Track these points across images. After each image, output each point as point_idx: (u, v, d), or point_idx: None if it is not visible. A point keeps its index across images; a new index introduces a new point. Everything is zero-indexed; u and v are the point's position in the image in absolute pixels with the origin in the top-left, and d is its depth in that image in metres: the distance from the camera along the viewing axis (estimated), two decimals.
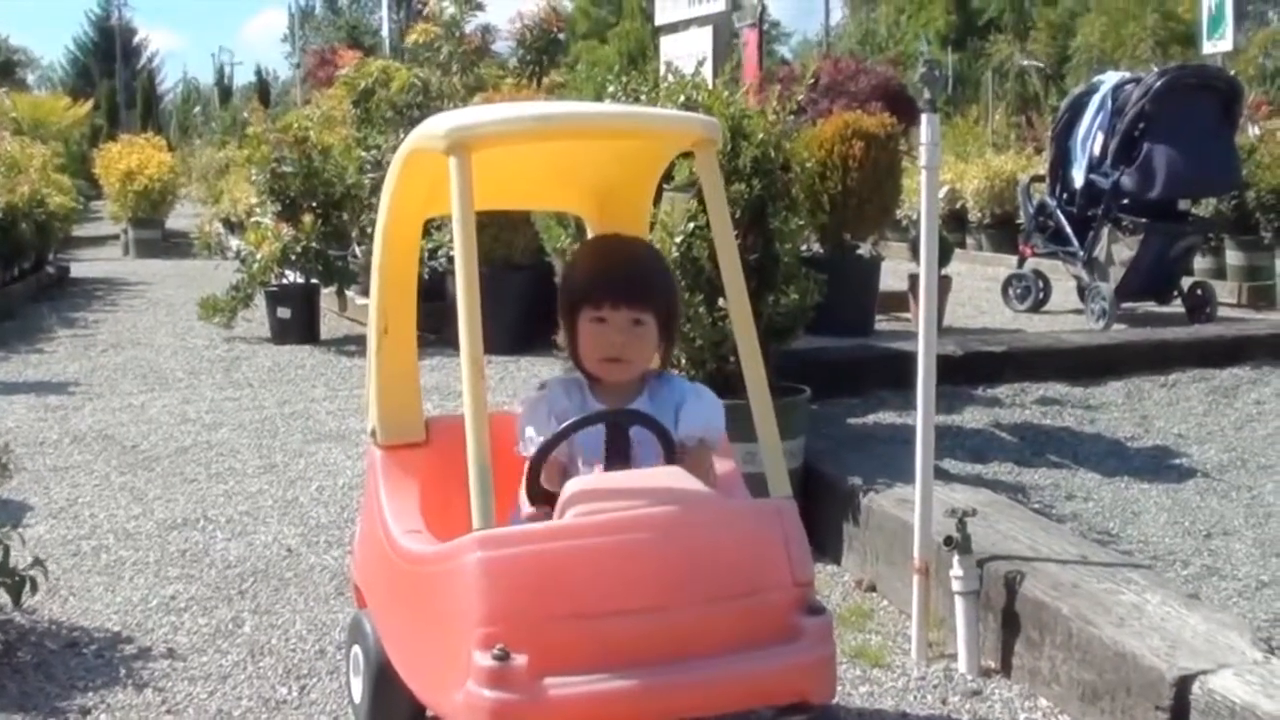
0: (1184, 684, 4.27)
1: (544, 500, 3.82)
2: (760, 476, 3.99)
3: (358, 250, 14.47)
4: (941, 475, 6.59)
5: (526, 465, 3.93)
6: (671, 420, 3.98)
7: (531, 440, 3.94)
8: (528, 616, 3.42)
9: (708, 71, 8.04)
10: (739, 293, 3.98)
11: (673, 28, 10.09)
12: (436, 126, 3.82)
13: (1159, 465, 7.89)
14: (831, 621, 3.80)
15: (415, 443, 4.48)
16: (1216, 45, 18.49)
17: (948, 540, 5.27)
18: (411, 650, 4.02)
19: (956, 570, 5.23)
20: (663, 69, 7.85)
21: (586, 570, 3.49)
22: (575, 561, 3.50)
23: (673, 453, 3.91)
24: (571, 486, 3.70)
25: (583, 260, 4.30)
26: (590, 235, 4.83)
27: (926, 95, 5.35)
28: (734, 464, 4.34)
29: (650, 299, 4.04)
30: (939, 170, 5.43)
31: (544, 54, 15.01)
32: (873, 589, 6.20)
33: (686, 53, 9.04)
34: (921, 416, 5.43)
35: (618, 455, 3.91)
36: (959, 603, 5.23)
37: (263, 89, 66.50)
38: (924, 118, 5.30)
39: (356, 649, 4.55)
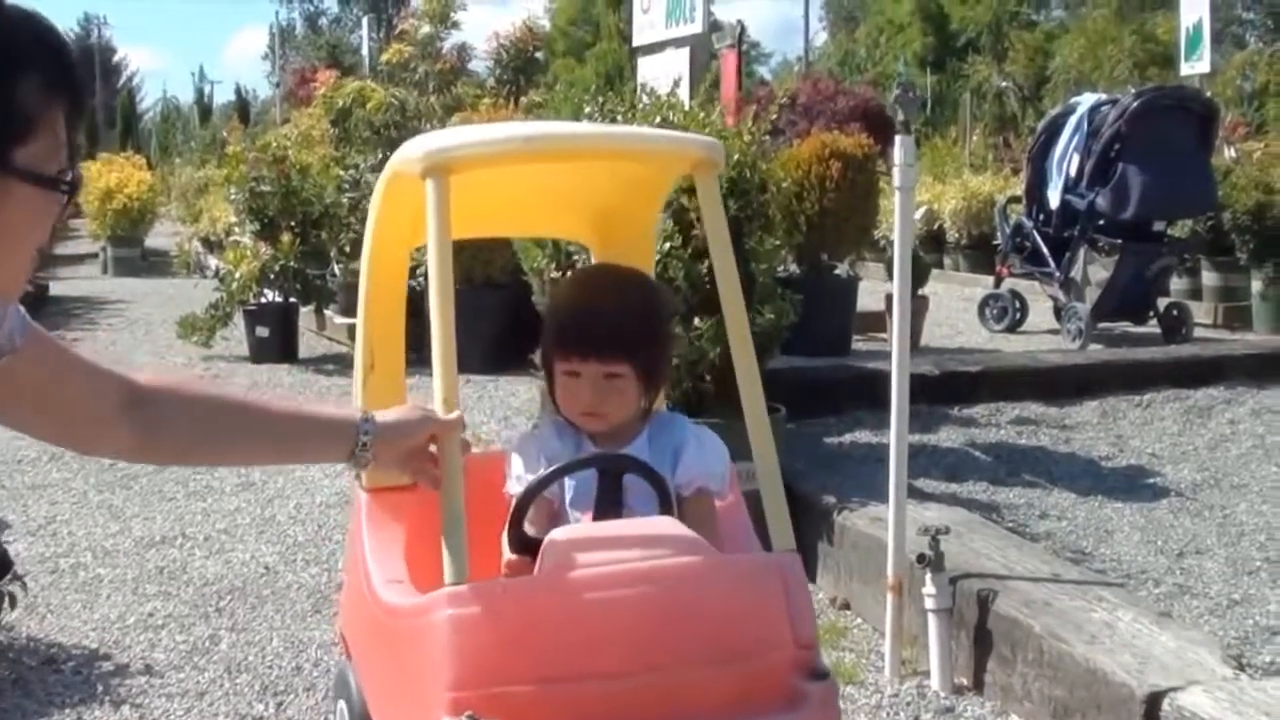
0: (1154, 701, 4.32)
1: (528, 548, 3.46)
2: (757, 493, 3.65)
3: (336, 269, 14.47)
4: (916, 494, 6.63)
5: (510, 509, 3.60)
6: (669, 466, 3.64)
7: (520, 480, 3.64)
8: (501, 679, 3.12)
9: (684, 92, 8.09)
10: (740, 325, 3.61)
11: (650, 49, 10.13)
12: (414, 149, 3.56)
13: (1133, 485, 7.93)
14: (837, 687, 3.50)
15: (403, 486, 3.86)
16: (1194, 67, 18.54)
17: (921, 558, 5.31)
18: (390, 708, 3.77)
19: (929, 588, 5.27)
20: (640, 90, 7.89)
21: (567, 629, 3.18)
22: (554, 620, 3.18)
23: (669, 502, 3.57)
24: (553, 537, 3.35)
25: (561, 302, 3.99)
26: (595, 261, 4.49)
27: (901, 117, 5.39)
28: (743, 513, 3.91)
29: (626, 351, 3.62)
30: (914, 191, 5.48)
31: (521, 73, 15.04)
32: (847, 607, 6.24)
33: (664, 74, 9.08)
34: (895, 435, 5.47)
35: (608, 503, 3.59)
36: (932, 620, 5.27)
37: (242, 108, 66.37)
38: (898, 139, 5.34)
39: (341, 704, 4.30)
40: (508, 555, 3.53)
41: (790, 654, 3.34)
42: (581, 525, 3.54)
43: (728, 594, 3.33)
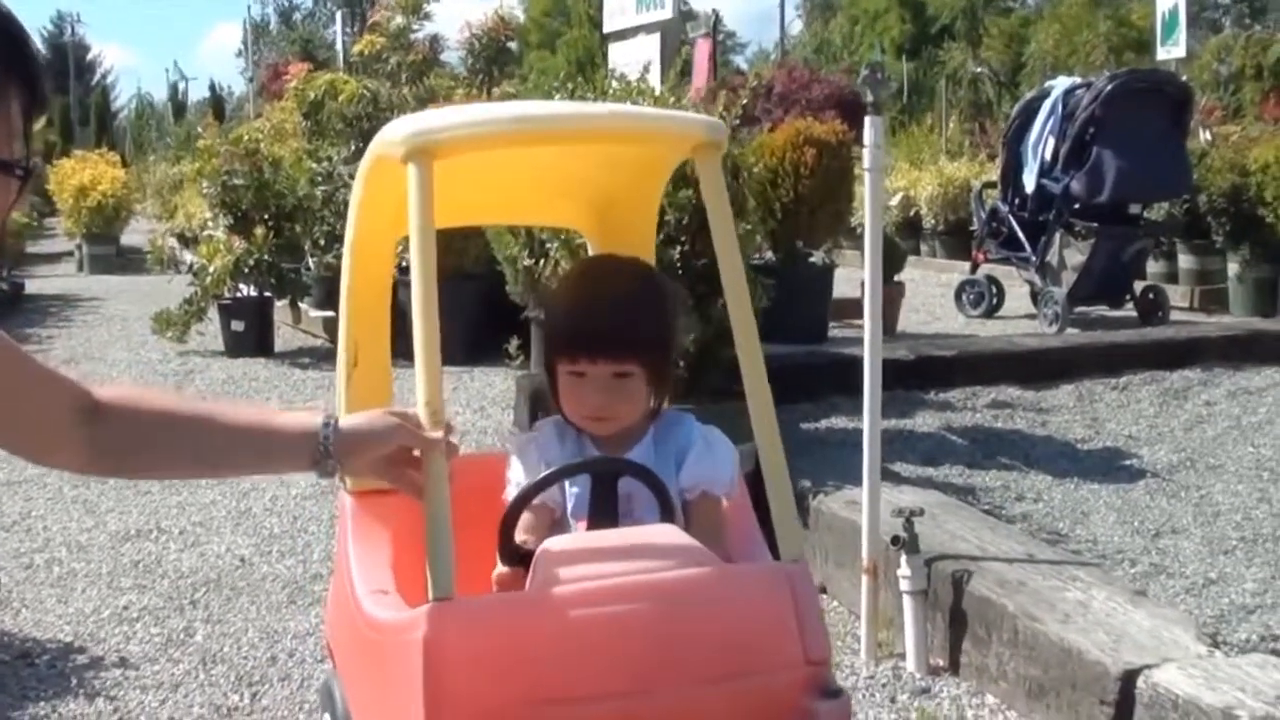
0: (1129, 679, 4.32)
1: (521, 560, 3.22)
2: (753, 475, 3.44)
3: (310, 262, 14.43)
4: (892, 478, 6.63)
5: (501, 518, 3.35)
6: (673, 468, 3.41)
7: (517, 487, 3.39)
8: (485, 703, 2.90)
9: (654, 77, 8.07)
10: (745, 314, 3.30)
11: (621, 35, 10.12)
12: (395, 131, 3.28)
13: (1109, 466, 7.94)
14: (850, 705, 3.25)
15: (390, 489, 3.39)
16: (1170, 52, 18.54)
17: (895, 540, 5.31)
18: None
19: (904, 570, 5.27)
20: (610, 76, 7.87)
21: (559, 648, 2.94)
22: (545, 638, 2.94)
23: (670, 508, 3.32)
24: (547, 547, 3.11)
25: (561, 298, 3.70)
26: (591, 253, 4.20)
27: (870, 98, 5.38)
28: (749, 518, 3.65)
29: (635, 348, 3.37)
30: (884, 173, 5.47)
31: (494, 63, 15.00)
32: (823, 590, 6.23)
33: (635, 60, 9.07)
34: (868, 416, 5.47)
35: (602, 511, 3.34)
36: (907, 602, 5.26)
37: (217, 104, 66.19)
38: (867, 121, 5.34)
39: (327, 717, 4.08)
40: (500, 569, 3.31)
41: (800, 672, 3.11)
42: (576, 535, 3.31)
43: (733, 608, 3.09)
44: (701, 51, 12.55)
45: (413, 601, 3.22)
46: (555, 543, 3.15)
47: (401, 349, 3.20)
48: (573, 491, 3.41)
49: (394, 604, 3.39)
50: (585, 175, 3.96)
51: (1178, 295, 15.42)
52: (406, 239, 3.18)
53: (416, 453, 2.99)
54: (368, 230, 3.80)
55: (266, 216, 13.82)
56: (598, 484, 3.34)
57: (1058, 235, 14.27)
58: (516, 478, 3.43)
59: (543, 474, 3.34)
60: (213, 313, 13.92)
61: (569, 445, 3.46)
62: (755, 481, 3.44)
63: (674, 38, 9.73)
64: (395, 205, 3.37)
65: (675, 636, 3.00)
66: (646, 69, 7.85)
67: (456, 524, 2.98)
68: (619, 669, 2.97)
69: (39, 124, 2.39)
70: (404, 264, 3.85)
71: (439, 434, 2.94)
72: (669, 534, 3.20)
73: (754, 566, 3.39)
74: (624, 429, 3.44)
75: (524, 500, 3.32)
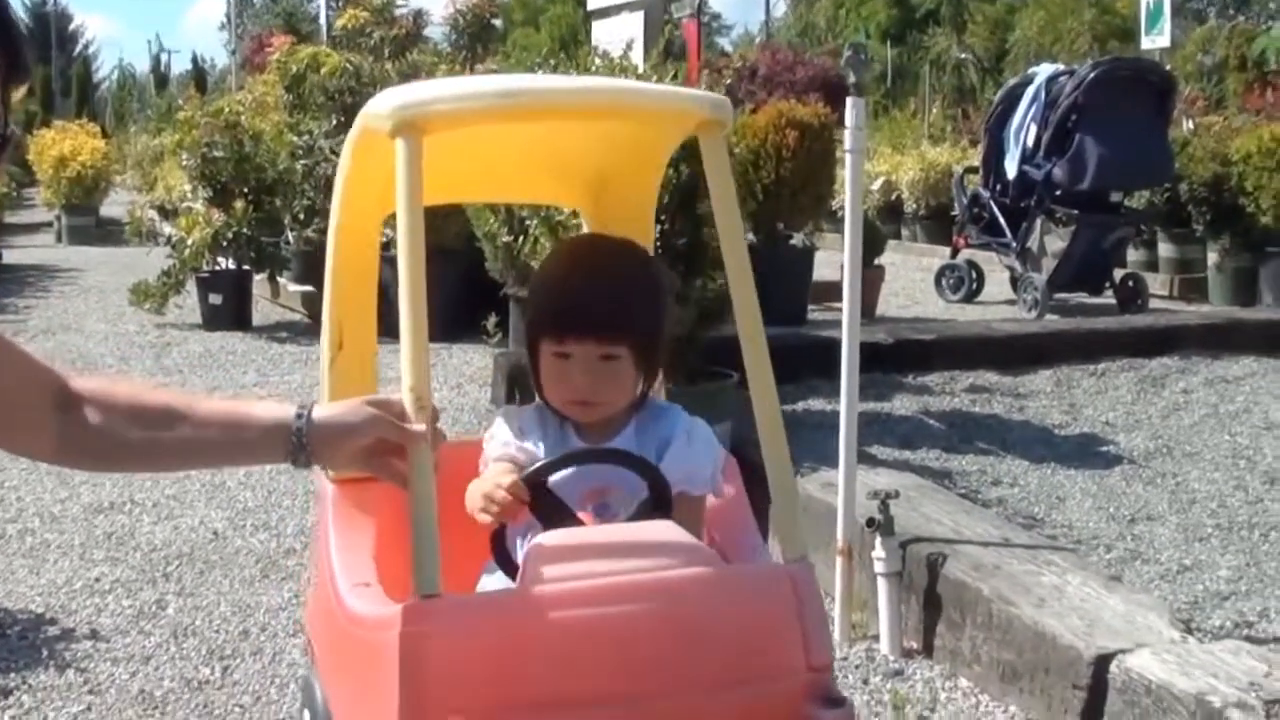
0: (1102, 663, 4.32)
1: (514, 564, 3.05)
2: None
3: (290, 236, 14.39)
4: (869, 461, 6.63)
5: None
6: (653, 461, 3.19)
7: (501, 445, 3.23)
8: (468, 706, 2.75)
9: (637, 55, 8.05)
10: (748, 298, 3.15)
11: (604, 12, 10.10)
12: (383, 103, 3.06)
13: (1086, 452, 7.95)
14: (854, 714, 3.09)
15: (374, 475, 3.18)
16: (1155, 41, 18.58)
17: (870, 522, 5.30)
18: None
19: (879, 552, 5.26)
20: (593, 53, 7.86)
21: (546, 650, 2.78)
22: (532, 639, 2.79)
23: (667, 502, 3.13)
24: (539, 543, 2.93)
25: (547, 276, 3.53)
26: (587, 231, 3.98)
27: (852, 79, 5.37)
28: (744, 510, 3.58)
29: (623, 329, 3.19)
30: (864, 154, 5.46)
31: (477, 39, 14.97)
32: None
33: (618, 37, 9.04)
34: (845, 399, 5.46)
35: (552, 511, 3.08)
36: (881, 584, 5.26)
37: (199, 77, 66.04)
38: (849, 102, 5.32)
39: (306, 714, 3.88)
40: (487, 578, 3.20)
41: (802, 678, 2.96)
42: (570, 531, 3.05)
43: (732, 610, 2.93)
44: (689, 34, 12.53)
45: (397, 594, 3.07)
46: (547, 538, 2.97)
47: (382, 328, 3.12)
48: (556, 483, 3.15)
49: (376, 597, 3.19)
50: (583, 153, 3.75)
51: (1157, 283, 15.46)
52: (393, 216, 3.00)
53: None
54: (353, 207, 3.56)
55: (246, 190, 13.79)
56: (537, 489, 3.08)
57: (1038, 222, 14.30)
58: (497, 439, 3.25)
59: (538, 463, 3.13)
60: (191, 285, 13.88)
61: (551, 432, 3.26)
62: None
63: (657, 16, 9.70)
64: (383, 181, 3.19)
65: (671, 640, 2.86)
66: (629, 47, 7.83)
67: (443, 514, 2.82)
68: (611, 673, 2.83)
69: (20, 93, 2.38)
70: (385, 240, 3.82)
71: (422, 425, 2.80)
72: (667, 531, 3.03)
73: (754, 567, 3.27)
74: (606, 417, 3.26)
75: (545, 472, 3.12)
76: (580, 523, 3.10)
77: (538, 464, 3.12)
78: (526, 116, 3.21)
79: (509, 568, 3.09)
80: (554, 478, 3.12)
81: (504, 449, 3.22)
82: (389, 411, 2.82)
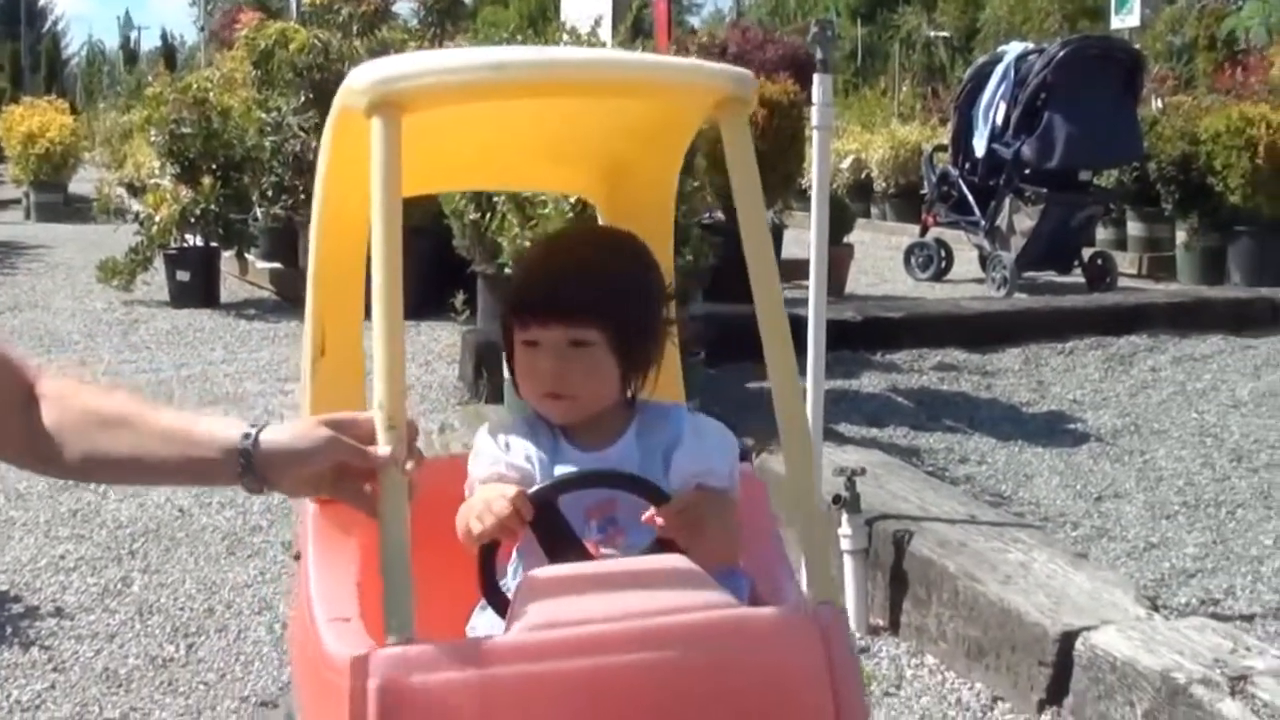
0: (1067, 640, 4.33)
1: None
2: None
3: (258, 213, 14.34)
4: (836, 438, 6.63)
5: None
6: (660, 469, 2.83)
7: (491, 463, 2.88)
8: None
9: (605, 32, 8.03)
10: (772, 295, 2.80)
11: None
12: (360, 78, 2.66)
13: (1053, 430, 7.97)
14: None
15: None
16: (1124, 21, 18.65)
17: (836, 499, 5.30)
18: None
19: (845, 529, 5.26)
20: (561, 29, 7.84)
21: (535, 706, 2.44)
22: (520, 693, 2.44)
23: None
24: (532, 577, 2.61)
25: (522, 262, 3.34)
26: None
27: (819, 56, 5.35)
28: (768, 521, 3.14)
29: (592, 310, 2.83)
30: (831, 131, 5.45)
31: (446, 15, 14.92)
32: None
33: (586, 14, 9.01)
34: (811, 374, 5.45)
35: (561, 538, 2.74)
36: (847, 561, 5.25)
37: (169, 54, 65.92)
38: (816, 78, 5.31)
39: None
40: (477, 621, 2.87)
41: None
42: (564, 566, 2.66)
43: (751, 662, 2.52)
44: (658, 12, 12.49)
45: (378, 631, 2.58)
46: (540, 574, 2.63)
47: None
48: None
49: (354, 636, 2.72)
50: (594, 135, 3.31)
51: (1126, 262, 15.50)
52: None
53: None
54: (336, 196, 3.09)
55: (214, 166, 13.76)
56: (550, 511, 2.74)
57: (1007, 200, 14.33)
58: (484, 457, 2.90)
59: (539, 484, 2.77)
60: (159, 262, 13.83)
61: (543, 442, 2.90)
62: None
63: None
64: (368, 166, 2.66)
65: (680, 696, 2.48)
66: (598, 23, 7.80)
67: (434, 540, 2.64)
68: None
69: None
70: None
71: (389, 448, 2.46)
72: (676, 566, 2.62)
73: (776, 612, 2.69)
74: (595, 419, 2.90)
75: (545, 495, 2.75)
76: (587, 552, 2.74)
77: (539, 486, 2.75)
78: (519, 93, 2.77)
79: (499, 603, 2.73)
80: (567, 499, 2.78)
81: (492, 468, 2.86)
82: (353, 432, 2.50)
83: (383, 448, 2.46)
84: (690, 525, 2.67)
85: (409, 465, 2.47)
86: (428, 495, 2.55)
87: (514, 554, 2.87)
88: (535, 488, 2.74)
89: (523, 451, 2.87)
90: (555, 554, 2.70)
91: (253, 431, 2.47)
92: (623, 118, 3.16)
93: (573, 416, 2.89)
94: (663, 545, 2.68)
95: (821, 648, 2.56)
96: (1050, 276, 14.61)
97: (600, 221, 3.54)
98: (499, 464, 2.85)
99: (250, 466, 2.45)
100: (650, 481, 2.75)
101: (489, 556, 2.74)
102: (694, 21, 69.47)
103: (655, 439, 2.89)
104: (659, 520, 2.66)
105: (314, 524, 3.11)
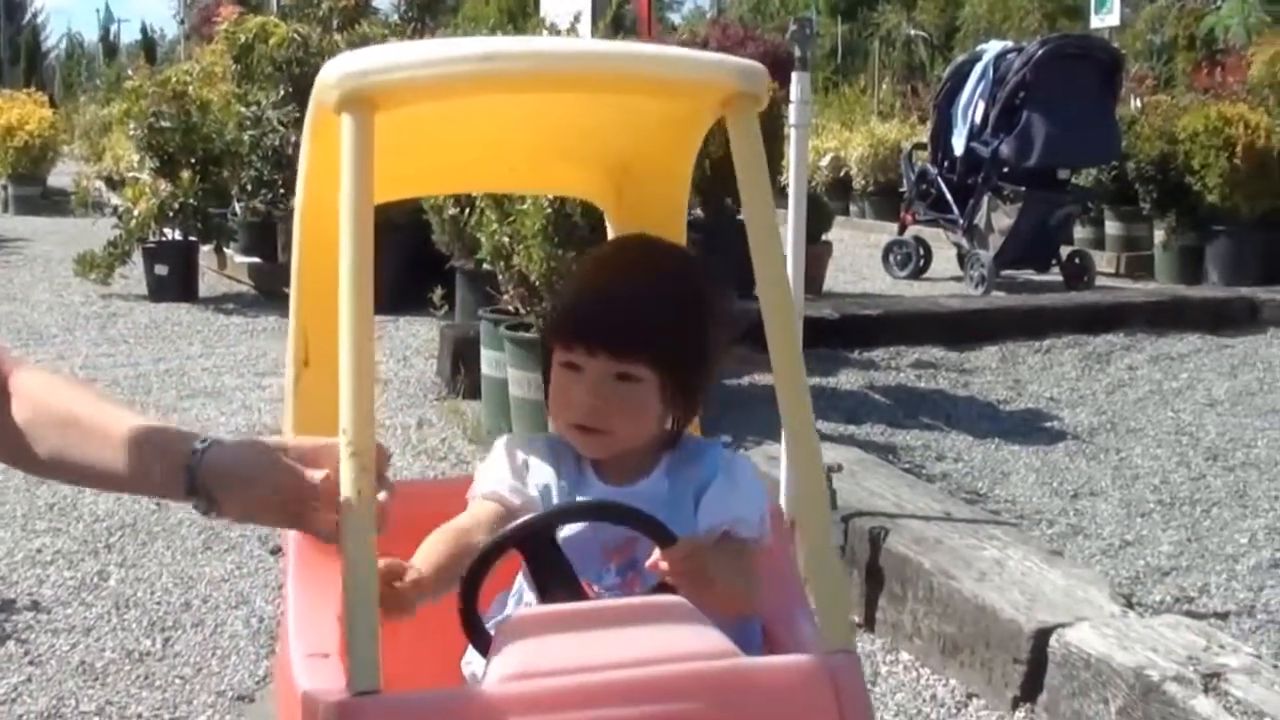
0: (1041, 637, 4.34)
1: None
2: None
3: (237, 208, 14.32)
4: None
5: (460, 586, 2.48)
6: (690, 509, 2.60)
7: (496, 482, 2.65)
8: None
9: (585, 27, 8.03)
10: (781, 291, 2.58)
11: None
12: (330, 72, 2.41)
13: (1030, 428, 7.99)
14: None
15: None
16: (1104, 20, 18.67)
17: None
18: None
19: None
20: (540, 25, 7.84)
21: None
22: None
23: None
24: (512, 619, 2.42)
25: (576, 275, 3.06)
26: (611, 234, 3.26)
27: (797, 53, 5.37)
28: (789, 566, 2.91)
29: (647, 345, 2.58)
30: (809, 128, 5.46)
31: (427, 10, 14.90)
32: None
33: (566, 10, 9.02)
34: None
35: (557, 578, 2.48)
36: None
37: (149, 47, 65.72)
38: (794, 76, 5.32)
39: None
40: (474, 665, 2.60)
41: None
42: (550, 609, 2.40)
43: (756, 717, 2.27)
44: (640, 6, 12.49)
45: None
46: (520, 615, 2.45)
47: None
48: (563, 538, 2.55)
49: (330, 675, 2.47)
50: (601, 134, 3.06)
51: (1104, 261, 15.54)
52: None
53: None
54: (318, 197, 2.79)
55: (193, 160, 13.72)
56: (536, 543, 2.50)
57: (985, 198, 14.33)
58: (491, 473, 2.67)
59: (525, 517, 2.52)
60: (137, 256, 13.81)
61: (566, 470, 2.67)
62: None
63: None
64: None
65: None
66: (577, 19, 7.81)
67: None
68: None
69: None
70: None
71: (352, 478, 2.20)
72: (676, 611, 2.37)
73: (784, 662, 2.41)
74: (627, 454, 2.66)
75: (482, 569, 2.47)
76: (583, 593, 2.50)
77: (522, 520, 2.51)
78: (503, 87, 2.49)
79: (481, 643, 2.46)
80: (564, 532, 2.53)
81: (495, 486, 2.63)
82: (303, 457, 2.29)
83: (346, 479, 2.20)
84: (694, 574, 2.41)
85: (381, 496, 2.23)
86: (426, 518, 2.43)
87: (517, 579, 2.67)
88: (522, 519, 2.51)
89: (541, 477, 2.65)
90: (547, 594, 2.47)
91: (201, 446, 2.26)
92: (632, 116, 2.91)
93: (602, 453, 2.65)
94: (666, 591, 2.44)
95: (834, 701, 2.29)
96: (1028, 275, 14.64)
97: (609, 227, 3.29)
98: (502, 485, 2.63)
99: (195, 487, 2.24)
100: (656, 520, 2.46)
101: (471, 609, 2.47)
102: (675, 18, 69.51)
103: (687, 477, 2.66)
104: (663, 565, 2.40)
105: (296, 549, 2.86)
